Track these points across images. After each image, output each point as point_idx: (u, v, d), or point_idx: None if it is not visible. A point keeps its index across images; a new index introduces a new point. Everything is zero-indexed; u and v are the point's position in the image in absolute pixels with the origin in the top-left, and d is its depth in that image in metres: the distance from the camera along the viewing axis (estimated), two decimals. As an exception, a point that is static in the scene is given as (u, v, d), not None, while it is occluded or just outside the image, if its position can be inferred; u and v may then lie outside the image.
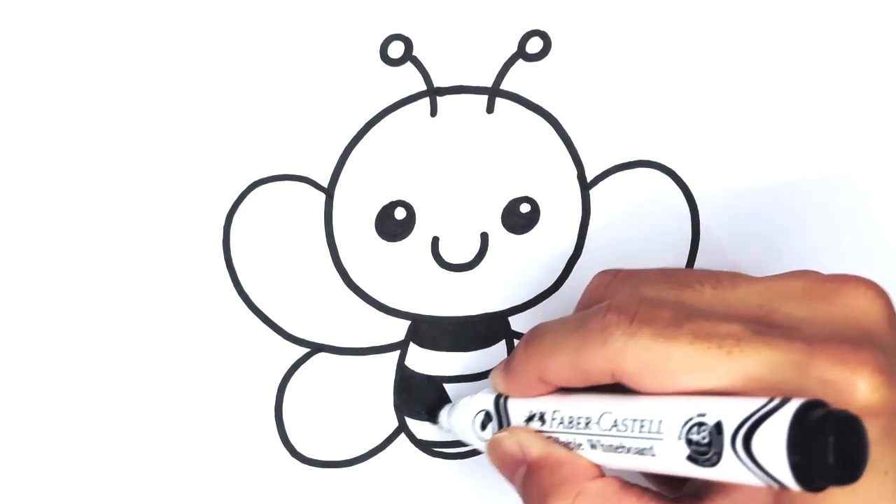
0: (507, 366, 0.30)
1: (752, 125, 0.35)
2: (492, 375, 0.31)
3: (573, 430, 0.28)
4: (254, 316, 0.35)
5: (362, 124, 0.35)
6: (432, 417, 0.35)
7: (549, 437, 0.29)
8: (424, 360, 0.36)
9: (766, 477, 0.23)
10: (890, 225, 0.36)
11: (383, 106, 0.35)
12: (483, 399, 0.31)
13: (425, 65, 0.35)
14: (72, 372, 0.35)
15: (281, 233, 0.35)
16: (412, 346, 0.36)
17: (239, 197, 0.35)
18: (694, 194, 0.36)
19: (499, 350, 0.36)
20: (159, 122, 0.35)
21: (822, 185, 0.36)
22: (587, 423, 0.27)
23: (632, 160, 0.35)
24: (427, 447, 0.36)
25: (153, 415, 0.35)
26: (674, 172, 0.35)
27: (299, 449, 0.35)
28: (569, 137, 0.35)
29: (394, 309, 0.35)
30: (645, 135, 0.35)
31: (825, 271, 0.34)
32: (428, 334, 0.36)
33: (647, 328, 0.26)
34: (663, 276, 0.29)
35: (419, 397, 0.36)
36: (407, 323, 0.36)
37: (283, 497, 0.35)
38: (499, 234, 0.35)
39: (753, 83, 0.35)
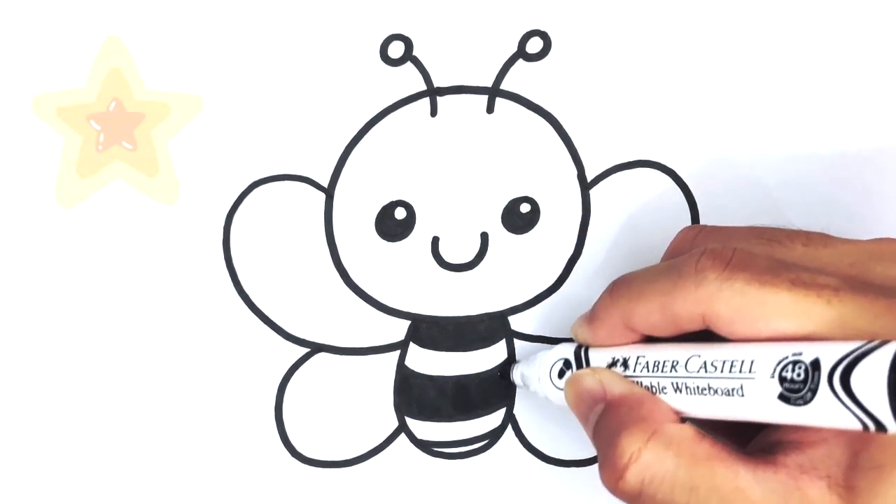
0: (591, 315, 0.30)
1: (752, 125, 0.35)
2: (573, 326, 0.31)
3: (658, 374, 0.28)
4: (254, 316, 0.35)
5: (362, 124, 0.35)
6: (504, 375, 0.35)
7: (632, 381, 0.28)
8: (424, 360, 0.36)
9: (863, 415, 0.23)
10: (890, 229, 0.36)
11: (383, 106, 0.35)
12: (562, 349, 0.31)
13: (425, 65, 0.35)
14: (72, 371, 0.35)
15: (281, 233, 0.35)
16: (412, 346, 0.36)
17: (239, 197, 0.35)
18: (694, 194, 0.36)
19: (499, 350, 0.36)
20: (159, 122, 0.35)
21: (823, 186, 0.36)
22: (673, 366, 0.27)
23: (632, 160, 0.35)
24: (427, 447, 0.36)
25: (153, 415, 0.35)
26: (674, 172, 0.35)
27: (299, 449, 0.35)
28: (569, 137, 0.35)
29: (394, 309, 0.36)
30: (645, 135, 0.35)
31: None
32: (428, 334, 0.36)
33: (743, 273, 0.26)
34: (752, 232, 0.29)
35: (419, 397, 0.36)
36: (407, 323, 0.36)
37: (283, 497, 0.35)
38: (499, 234, 0.35)
39: (753, 83, 0.35)
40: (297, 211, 0.35)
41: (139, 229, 0.35)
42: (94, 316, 0.35)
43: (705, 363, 0.26)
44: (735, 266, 0.26)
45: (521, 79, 0.35)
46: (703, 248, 0.27)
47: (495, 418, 0.36)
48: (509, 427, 0.36)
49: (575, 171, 0.35)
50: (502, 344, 0.36)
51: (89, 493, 0.35)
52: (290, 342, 0.35)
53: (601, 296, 0.29)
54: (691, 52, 0.35)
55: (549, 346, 0.33)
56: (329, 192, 0.35)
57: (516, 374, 0.34)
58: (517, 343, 0.36)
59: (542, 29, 0.35)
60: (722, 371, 0.26)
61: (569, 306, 0.36)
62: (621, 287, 0.29)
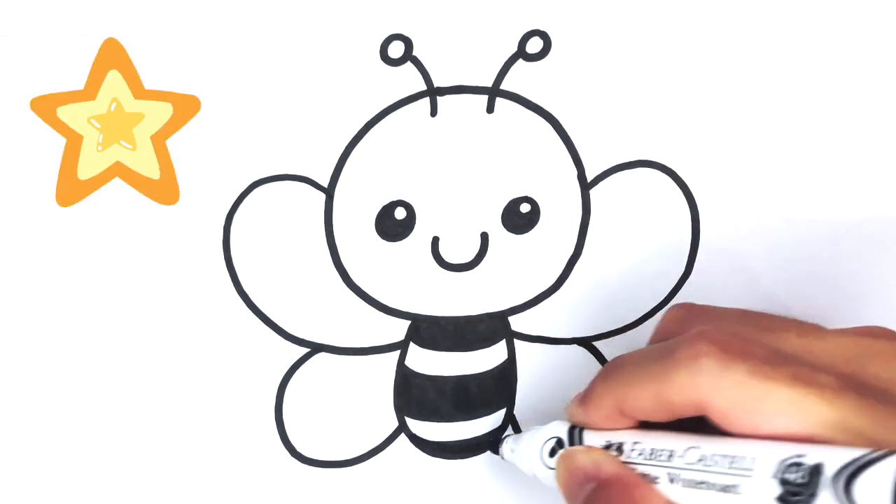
0: (584, 396, 0.29)
1: (752, 125, 0.35)
2: (568, 406, 0.30)
3: (653, 462, 0.26)
4: (254, 316, 0.35)
5: (362, 124, 0.35)
6: (493, 448, 0.34)
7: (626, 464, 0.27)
8: (424, 360, 0.36)
9: None
10: (889, 219, 0.36)
11: (383, 106, 0.35)
12: (556, 427, 0.30)
13: (425, 65, 0.35)
14: (72, 371, 0.35)
15: (281, 233, 0.35)
16: (412, 346, 0.36)
17: (239, 197, 0.35)
18: (694, 194, 0.36)
19: (499, 350, 0.36)
20: (159, 122, 0.35)
21: (824, 185, 0.36)
22: (670, 456, 0.26)
23: (632, 160, 0.35)
24: (427, 447, 0.36)
25: (153, 415, 0.35)
26: (674, 172, 0.35)
27: (299, 449, 0.35)
28: (569, 137, 0.35)
29: (394, 309, 0.36)
30: (645, 135, 0.35)
31: (827, 271, 0.34)
32: (428, 334, 0.36)
33: (743, 363, 0.24)
34: (743, 316, 0.27)
35: (419, 397, 0.36)
36: (407, 323, 0.36)
37: (283, 497, 0.35)
38: (499, 234, 0.35)
39: (753, 83, 0.35)
40: (297, 211, 0.35)
41: (139, 229, 0.35)
42: (94, 316, 0.35)
43: (704, 456, 0.25)
44: (734, 354, 0.24)
45: (521, 79, 0.35)
46: (699, 329, 0.25)
47: (495, 418, 0.36)
48: (509, 427, 0.36)
49: (575, 171, 0.35)
50: (502, 344, 0.36)
51: (88, 493, 0.35)
52: (290, 342, 0.35)
53: (595, 378, 0.28)
54: (691, 52, 0.35)
55: (539, 426, 0.31)
56: (329, 192, 0.35)
57: (506, 449, 0.33)
58: (517, 343, 0.36)
59: (542, 29, 0.35)
60: (720, 466, 0.25)
61: (569, 306, 0.36)
62: (614, 371, 0.28)
